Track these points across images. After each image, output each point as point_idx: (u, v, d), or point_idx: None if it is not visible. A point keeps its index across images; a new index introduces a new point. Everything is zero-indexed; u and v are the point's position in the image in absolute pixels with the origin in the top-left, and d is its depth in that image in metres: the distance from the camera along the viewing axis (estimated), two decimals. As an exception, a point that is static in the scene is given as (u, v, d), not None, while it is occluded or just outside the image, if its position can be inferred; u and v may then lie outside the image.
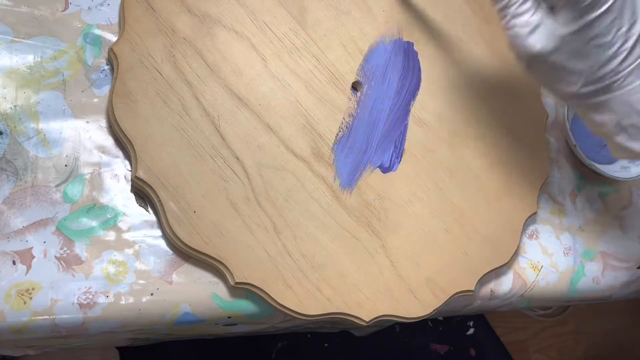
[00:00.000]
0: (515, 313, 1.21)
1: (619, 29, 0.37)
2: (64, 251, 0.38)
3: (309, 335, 0.81)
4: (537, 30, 0.39)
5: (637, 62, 0.38)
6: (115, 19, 0.44)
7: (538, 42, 0.39)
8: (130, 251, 0.40)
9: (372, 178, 0.46)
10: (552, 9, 0.39)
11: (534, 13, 0.39)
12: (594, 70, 0.38)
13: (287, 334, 0.78)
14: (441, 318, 0.88)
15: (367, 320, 0.43)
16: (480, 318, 0.94)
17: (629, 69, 0.38)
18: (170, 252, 0.41)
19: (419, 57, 0.51)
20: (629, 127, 0.40)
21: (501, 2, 0.40)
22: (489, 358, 0.90)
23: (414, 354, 0.85)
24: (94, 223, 0.40)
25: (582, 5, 0.37)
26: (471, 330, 0.91)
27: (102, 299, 0.38)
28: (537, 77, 0.42)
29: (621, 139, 0.41)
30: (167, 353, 0.76)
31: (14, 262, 0.37)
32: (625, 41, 0.37)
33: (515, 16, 0.39)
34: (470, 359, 0.89)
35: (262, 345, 0.79)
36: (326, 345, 0.81)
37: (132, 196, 0.41)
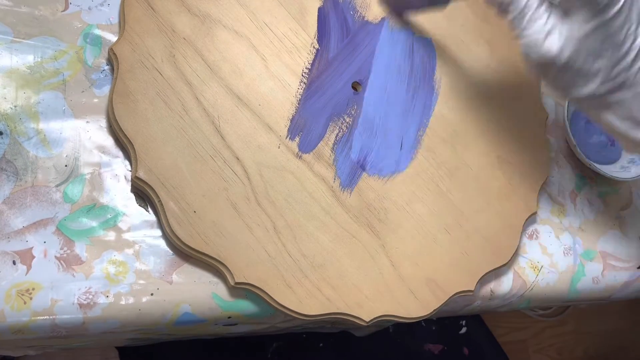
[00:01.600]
0: (515, 313, 1.21)
1: (629, 28, 0.38)
2: (64, 251, 0.38)
3: (304, 336, 0.81)
4: (553, 35, 0.39)
5: None
6: (115, 19, 0.44)
7: (554, 45, 0.39)
8: (130, 251, 0.40)
9: (372, 178, 0.46)
10: (566, 12, 0.39)
11: (548, 18, 0.39)
12: (609, 69, 0.39)
13: (282, 334, 0.79)
14: (434, 318, 0.89)
15: (367, 320, 0.43)
16: (474, 317, 0.94)
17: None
18: (170, 252, 0.41)
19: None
20: None
21: (514, 11, 0.40)
22: (482, 356, 0.91)
23: (408, 354, 0.85)
24: (94, 223, 0.40)
25: (600, 6, 0.37)
26: (464, 330, 0.91)
27: (102, 299, 0.38)
28: (553, 84, 0.42)
29: (637, 133, 0.41)
30: (167, 353, 0.76)
31: (14, 262, 0.37)
32: (635, 39, 0.38)
33: (530, 21, 0.39)
34: (464, 358, 0.89)
35: (257, 346, 0.79)
36: (321, 345, 0.81)
37: (132, 196, 0.41)
